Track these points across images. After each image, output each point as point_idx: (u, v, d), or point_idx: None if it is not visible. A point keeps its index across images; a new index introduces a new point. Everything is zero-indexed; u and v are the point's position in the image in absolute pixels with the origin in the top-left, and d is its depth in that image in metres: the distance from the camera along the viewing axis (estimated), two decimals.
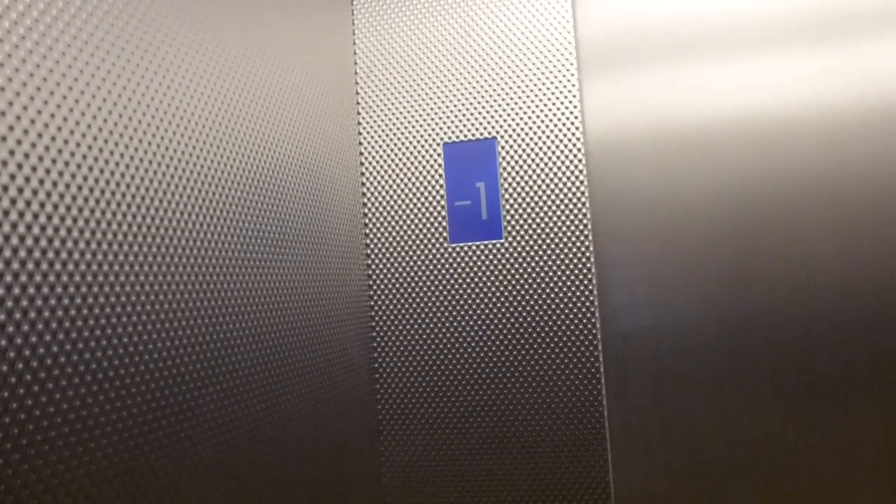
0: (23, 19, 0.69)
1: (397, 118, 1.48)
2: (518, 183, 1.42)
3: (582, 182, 1.40)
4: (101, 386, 0.74)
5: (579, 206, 1.40)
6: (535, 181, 1.41)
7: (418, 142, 1.47)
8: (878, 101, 1.33)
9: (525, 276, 1.41)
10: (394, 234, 1.47)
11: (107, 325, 0.76)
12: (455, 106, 1.45)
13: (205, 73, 0.98)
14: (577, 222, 1.39)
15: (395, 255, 1.46)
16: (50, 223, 0.70)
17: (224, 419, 0.95)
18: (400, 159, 1.47)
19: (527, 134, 1.42)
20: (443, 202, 1.45)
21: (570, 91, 1.41)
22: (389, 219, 1.47)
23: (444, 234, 1.44)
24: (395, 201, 1.47)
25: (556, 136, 1.41)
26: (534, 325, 1.40)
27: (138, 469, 0.78)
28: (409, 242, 1.46)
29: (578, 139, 1.40)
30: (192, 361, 0.90)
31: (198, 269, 0.92)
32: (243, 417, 1.00)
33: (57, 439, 0.68)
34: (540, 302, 1.40)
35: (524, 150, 1.42)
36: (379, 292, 1.47)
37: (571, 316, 1.39)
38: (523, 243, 1.41)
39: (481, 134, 1.44)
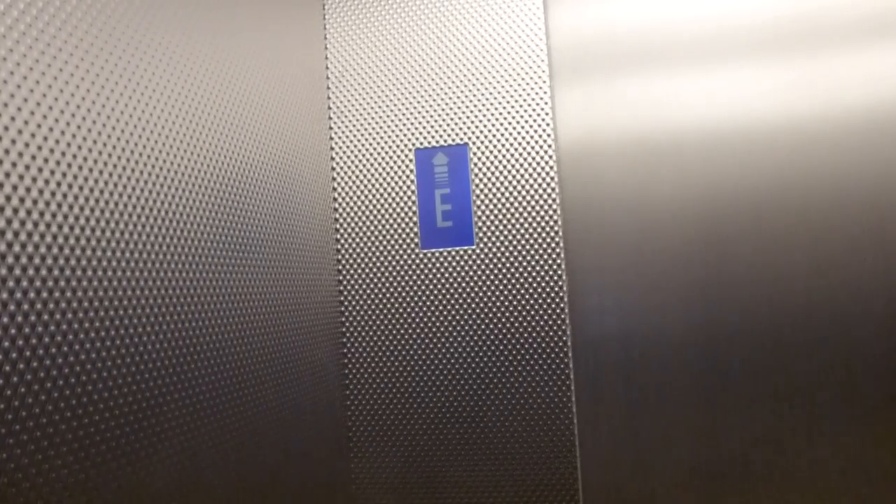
0: None
1: (369, 124, 1.47)
2: (490, 189, 1.42)
3: (553, 189, 1.40)
4: (62, 392, 0.72)
5: (550, 212, 1.40)
6: (506, 187, 1.42)
7: (390, 147, 1.46)
8: (846, 111, 1.35)
9: (496, 282, 1.41)
10: (365, 239, 1.46)
11: (68, 331, 0.74)
12: (427, 112, 1.45)
13: (173, 78, 0.97)
14: (548, 229, 1.40)
15: (366, 260, 1.46)
16: (9, 227, 0.68)
17: (189, 427, 0.94)
18: (371, 165, 1.47)
19: (498, 140, 1.43)
20: (414, 208, 1.44)
21: (542, 98, 1.42)
22: (361, 224, 1.46)
23: (416, 240, 1.44)
24: (367, 207, 1.46)
25: (528, 142, 1.42)
26: (504, 331, 1.41)
27: (100, 478, 0.77)
28: (381, 248, 1.45)
29: (550, 146, 1.41)
30: (157, 367, 0.88)
31: (164, 275, 0.91)
32: (209, 425, 0.98)
33: (14, 447, 0.66)
34: (511, 308, 1.40)
35: (496, 157, 1.42)
36: (350, 298, 1.46)
37: (542, 322, 1.39)
38: (494, 249, 1.41)
39: (453, 140, 1.44)
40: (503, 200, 1.42)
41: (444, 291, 1.43)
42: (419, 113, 1.46)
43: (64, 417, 0.72)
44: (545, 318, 1.39)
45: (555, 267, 1.39)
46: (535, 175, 1.41)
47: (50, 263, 0.73)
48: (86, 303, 0.77)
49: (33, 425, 0.68)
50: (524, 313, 1.40)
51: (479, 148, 1.43)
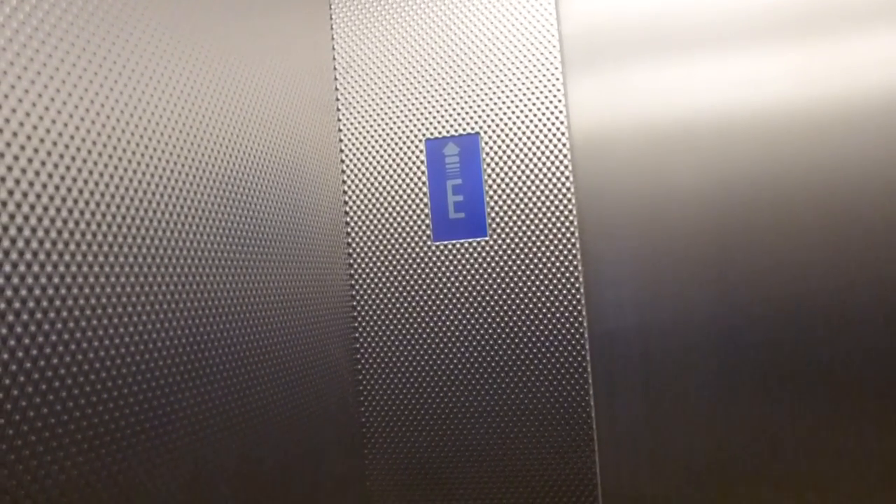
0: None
1: (378, 114, 1.44)
2: (502, 179, 1.39)
3: (567, 178, 1.37)
4: (70, 391, 0.70)
5: (565, 202, 1.37)
6: (519, 177, 1.39)
7: (400, 138, 1.43)
8: (863, 96, 1.32)
9: (510, 274, 1.38)
10: (376, 232, 1.43)
11: (75, 328, 0.72)
12: (437, 101, 1.42)
13: (178, 71, 0.94)
14: (563, 219, 1.37)
15: (378, 253, 1.43)
16: (27, 223, 0.66)
17: (200, 424, 0.91)
18: (381, 156, 1.44)
19: (511, 129, 1.40)
20: (425, 199, 1.42)
21: (554, 86, 1.39)
22: (371, 217, 1.44)
23: (427, 232, 1.41)
24: (377, 199, 1.44)
25: (541, 131, 1.39)
26: (520, 324, 1.38)
27: (109, 476, 0.74)
28: (392, 241, 1.43)
29: (563, 134, 1.38)
30: (167, 364, 0.86)
31: (173, 270, 0.88)
32: (220, 422, 0.96)
33: (23, 448, 0.64)
34: (526, 301, 1.38)
35: (508, 146, 1.40)
36: (361, 292, 1.43)
37: (558, 315, 1.37)
38: (508, 241, 1.39)
39: (464, 129, 1.41)
40: (516, 191, 1.39)
41: (457, 284, 1.40)
42: (429, 102, 1.43)
43: (70, 414, 0.70)
44: (561, 310, 1.36)
45: (570, 258, 1.37)
46: (548, 164, 1.38)
47: (56, 259, 0.70)
48: (92, 299, 0.75)
49: (41, 426, 0.66)
50: (539, 306, 1.37)
51: (490, 137, 1.40)
